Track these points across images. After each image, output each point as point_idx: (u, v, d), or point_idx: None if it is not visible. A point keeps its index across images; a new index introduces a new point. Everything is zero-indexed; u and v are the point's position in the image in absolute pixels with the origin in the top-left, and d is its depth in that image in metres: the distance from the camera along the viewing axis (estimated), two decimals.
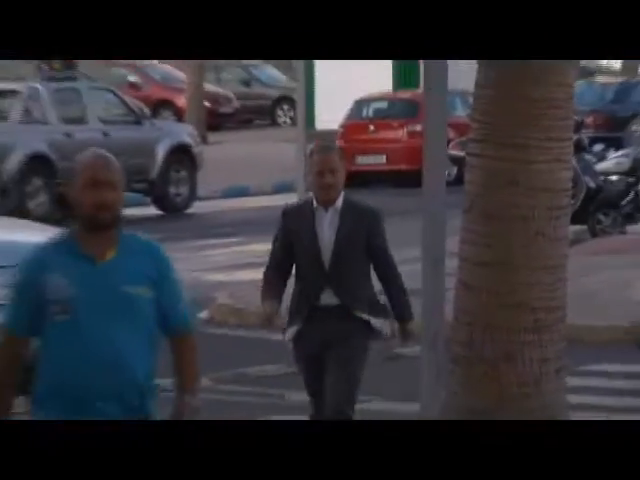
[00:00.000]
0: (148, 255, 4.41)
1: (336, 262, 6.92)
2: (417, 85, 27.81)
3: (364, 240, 6.99)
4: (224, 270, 18.56)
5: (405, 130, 25.31)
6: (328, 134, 24.74)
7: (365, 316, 6.86)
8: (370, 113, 27.84)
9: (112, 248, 4.31)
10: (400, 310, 6.99)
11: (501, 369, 7.08)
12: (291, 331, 7.00)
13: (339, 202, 6.97)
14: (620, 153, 21.42)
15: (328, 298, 6.92)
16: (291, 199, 11.52)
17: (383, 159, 25.70)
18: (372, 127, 27.17)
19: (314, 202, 7.04)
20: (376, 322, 6.91)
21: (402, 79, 31.37)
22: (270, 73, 36.20)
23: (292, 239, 7.03)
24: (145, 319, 4.36)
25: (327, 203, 6.95)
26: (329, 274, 6.93)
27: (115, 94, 25.02)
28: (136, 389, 4.40)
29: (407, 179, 22.61)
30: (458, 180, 10.91)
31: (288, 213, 7.19)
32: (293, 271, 7.18)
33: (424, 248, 7.63)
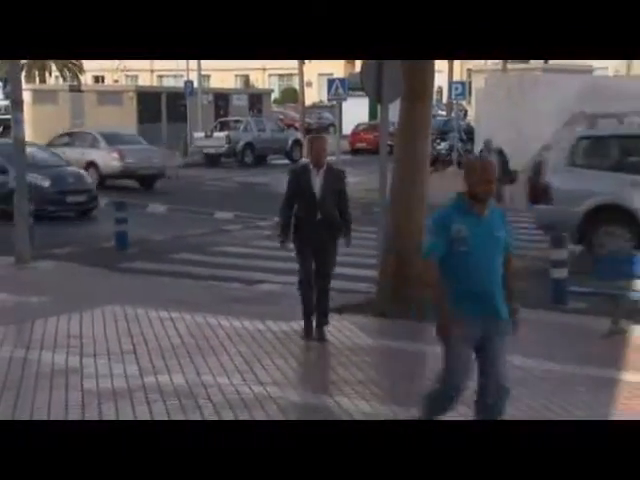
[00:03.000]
0: (498, 213, 4.72)
1: (322, 198, 7.17)
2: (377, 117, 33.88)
3: (336, 186, 7.26)
4: None
5: (372, 135, 30.74)
6: (345, 136, 30.96)
7: (335, 225, 7.24)
8: (361, 128, 34.08)
9: (486, 209, 4.60)
10: (345, 225, 7.27)
11: None
12: (299, 234, 7.27)
13: (325, 166, 7.26)
14: (445, 143, 26.21)
15: (319, 215, 7.18)
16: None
17: (365, 145, 32.43)
18: (362, 133, 33.70)
19: (310, 165, 7.28)
20: (339, 230, 7.26)
21: (371, 114, 37.30)
22: (327, 114, 42.15)
23: (297, 186, 7.27)
24: (502, 249, 4.65)
25: (319, 166, 7.23)
26: (319, 204, 7.18)
27: (275, 122, 32.48)
28: (500, 292, 4.61)
29: (375, 151, 29.99)
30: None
31: (294, 171, 7.57)
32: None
33: (380, 186, 8.91)
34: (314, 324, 7.43)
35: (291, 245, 7.36)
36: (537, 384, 6.11)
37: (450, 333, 4.57)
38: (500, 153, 16.01)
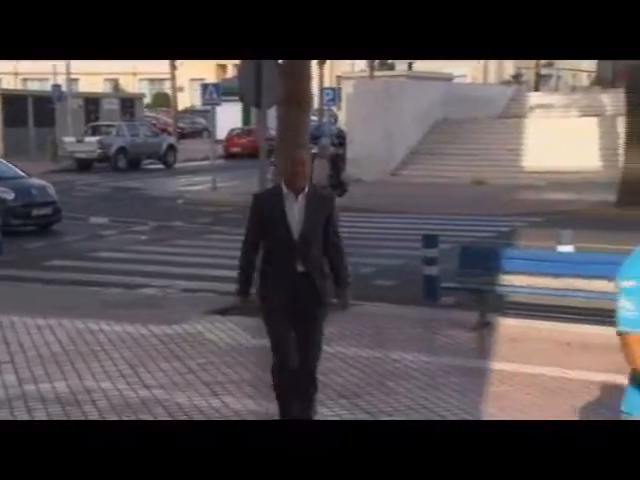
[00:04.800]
0: None
1: (303, 238, 4.77)
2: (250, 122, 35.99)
3: (323, 219, 4.83)
4: None
5: (247, 139, 32.13)
6: (219, 141, 30.41)
7: (324, 279, 4.83)
8: (235, 133, 34.07)
9: None
10: (340, 281, 4.89)
11: None
12: (270, 294, 4.81)
13: (306, 189, 4.82)
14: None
15: (300, 266, 4.77)
16: None
17: (239, 149, 32.47)
18: (236, 138, 33.69)
19: (284, 188, 4.82)
20: (325, 288, 4.85)
21: (245, 119, 38.00)
22: (200, 119, 42.67)
23: (266, 220, 4.84)
24: None
25: (297, 190, 4.79)
26: (299, 248, 4.76)
27: (148, 126, 32.35)
28: None
29: (249, 155, 27.54)
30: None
31: (259, 197, 5.11)
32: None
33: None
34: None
35: (253, 303, 5.05)
36: (415, 377, 6.28)
37: None
38: (333, 160, 13.67)
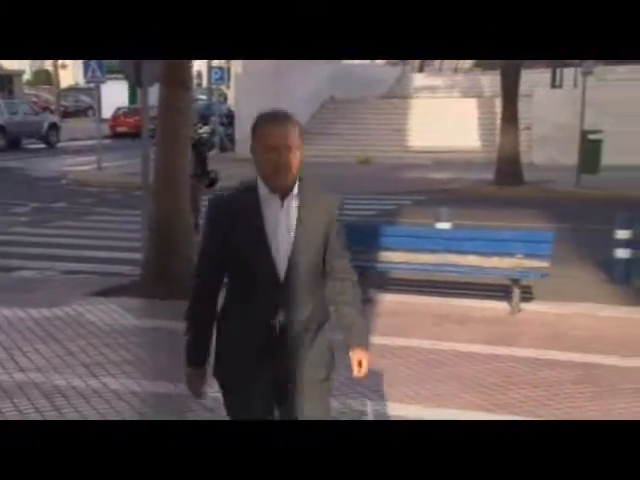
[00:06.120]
0: None
1: (292, 270, 2.94)
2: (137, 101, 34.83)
3: (323, 238, 3.00)
4: None
5: (133, 119, 30.88)
6: (105, 120, 28.82)
7: (316, 342, 3.06)
8: (121, 112, 33.30)
9: None
10: (357, 333, 3.18)
11: None
12: (234, 357, 2.99)
13: (295, 189, 2.93)
14: (207, 127, 22.91)
15: (282, 315, 2.94)
16: None
17: (126, 129, 31.82)
18: (122, 117, 33.05)
19: (260, 188, 2.93)
20: (325, 352, 3.11)
21: (131, 98, 37.25)
22: (84, 97, 41.86)
23: (230, 240, 2.94)
24: None
25: (284, 190, 2.91)
26: (283, 285, 2.93)
27: (28, 104, 30.95)
28: None
29: (136, 135, 32.07)
30: None
31: (219, 205, 3.01)
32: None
33: (142, 170, 8.34)
34: None
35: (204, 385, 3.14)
36: None
37: None
38: (196, 145, 10.26)
